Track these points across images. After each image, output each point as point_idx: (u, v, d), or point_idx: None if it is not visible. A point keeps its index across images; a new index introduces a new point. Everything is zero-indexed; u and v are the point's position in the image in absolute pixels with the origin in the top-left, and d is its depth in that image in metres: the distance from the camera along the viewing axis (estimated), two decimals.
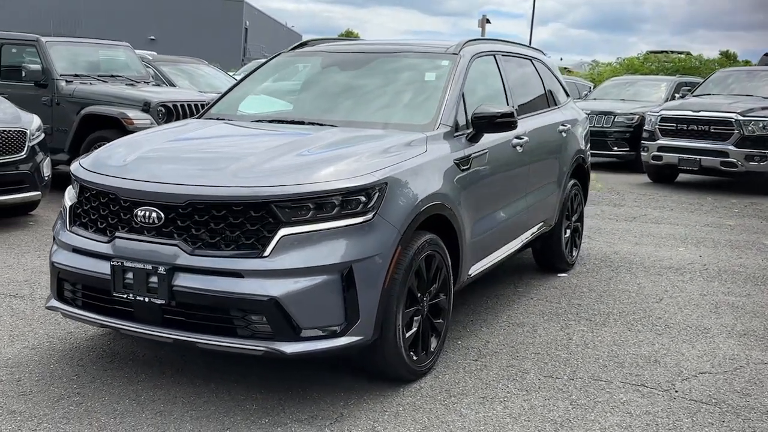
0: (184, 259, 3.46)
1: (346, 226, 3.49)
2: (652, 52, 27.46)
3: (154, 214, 3.53)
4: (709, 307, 5.50)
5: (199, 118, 5.03)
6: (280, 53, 5.51)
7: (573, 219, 6.45)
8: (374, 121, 4.48)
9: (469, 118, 4.51)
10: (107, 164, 3.88)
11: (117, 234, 3.63)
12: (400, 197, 3.70)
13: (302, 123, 4.57)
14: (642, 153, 12.60)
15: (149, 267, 3.47)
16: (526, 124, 5.39)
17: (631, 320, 5.12)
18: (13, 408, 3.52)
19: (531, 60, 6.10)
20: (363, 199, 3.54)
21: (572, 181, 6.32)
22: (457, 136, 4.42)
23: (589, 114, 14.76)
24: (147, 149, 4.01)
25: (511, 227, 5.15)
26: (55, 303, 3.92)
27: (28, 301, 5.08)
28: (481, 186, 4.57)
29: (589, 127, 14.37)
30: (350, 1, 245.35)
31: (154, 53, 15.52)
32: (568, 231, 6.35)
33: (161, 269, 3.45)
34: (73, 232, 3.85)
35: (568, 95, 6.76)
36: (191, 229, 3.49)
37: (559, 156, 6.02)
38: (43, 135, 7.69)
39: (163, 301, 3.47)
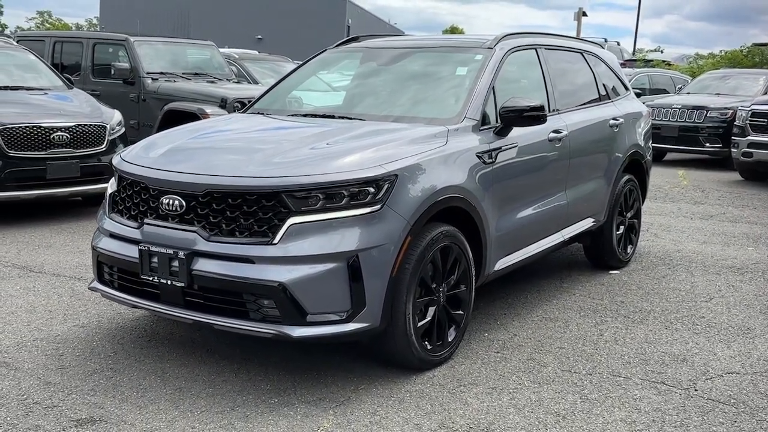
0: (202, 245, 3.67)
1: (354, 216, 3.61)
2: (757, 44, 26.09)
3: (176, 202, 3.75)
4: (760, 308, 5.31)
5: (244, 112, 5.26)
6: (326, 49, 5.67)
7: (627, 215, 6.33)
8: (402, 115, 4.58)
9: (498, 111, 4.54)
10: (142, 156, 4.14)
11: (146, 220, 3.88)
12: (412, 189, 3.78)
13: (333, 117, 4.73)
14: (732, 150, 12.11)
15: (171, 252, 3.70)
16: (568, 118, 5.35)
17: (671, 318, 5.01)
18: (50, 379, 3.83)
19: (581, 53, 6.03)
20: (371, 190, 3.64)
21: (626, 177, 6.20)
22: (484, 129, 4.46)
23: (680, 108, 14.35)
24: (180, 142, 4.26)
25: (547, 222, 5.13)
26: (96, 285, 4.22)
27: None
28: (509, 180, 4.58)
29: (681, 122, 14.11)
30: None
31: (255, 52, 16.10)
32: (622, 227, 6.24)
33: (181, 254, 3.67)
34: (110, 219, 4.14)
35: (627, 89, 6.63)
36: (209, 216, 3.69)
37: (609, 151, 5.92)
38: (123, 129, 8.16)
39: (184, 284, 3.70)
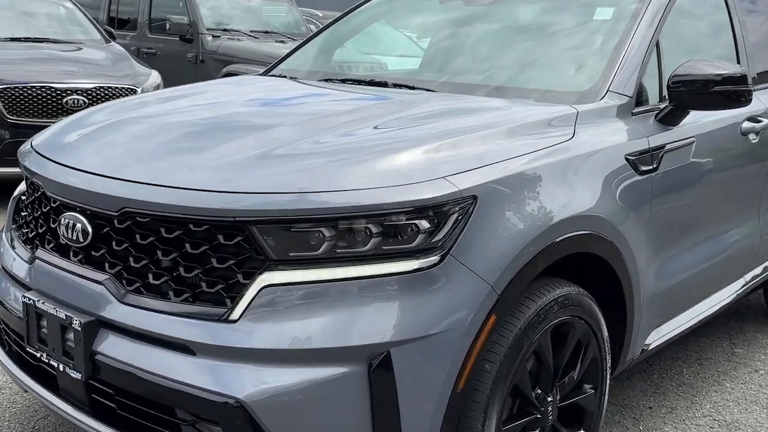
0: (112, 309, 2.01)
1: (388, 275, 1.85)
2: None
3: (80, 226, 2.10)
4: None
5: (265, 74, 3.56)
6: None
7: None
8: (501, 86, 2.77)
9: (665, 83, 2.66)
10: (55, 141, 2.51)
11: (38, 252, 2.26)
12: (503, 224, 1.99)
13: (385, 85, 2.95)
14: None
15: (63, 316, 2.06)
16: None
17: None
18: None
19: None
20: (424, 225, 1.88)
21: None
22: (639, 113, 2.60)
23: None
24: (118, 118, 2.59)
25: (728, 264, 3.20)
26: None
27: None
28: (679, 199, 2.70)
29: None
30: None
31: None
32: None
33: (76, 322, 2.02)
34: (6, 240, 2.55)
35: None
36: (129, 257, 2.02)
37: None
38: None
39: (81, 376, 2.05)
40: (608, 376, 2.49)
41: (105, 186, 2.06)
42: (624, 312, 2.52)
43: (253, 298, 1.84)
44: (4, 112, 5.69)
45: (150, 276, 1.99)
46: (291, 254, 1.86)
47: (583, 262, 2.34)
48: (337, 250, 1.86)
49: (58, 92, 5.88)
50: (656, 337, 2.79)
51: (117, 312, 2.00)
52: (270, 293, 1.84)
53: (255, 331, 1.84)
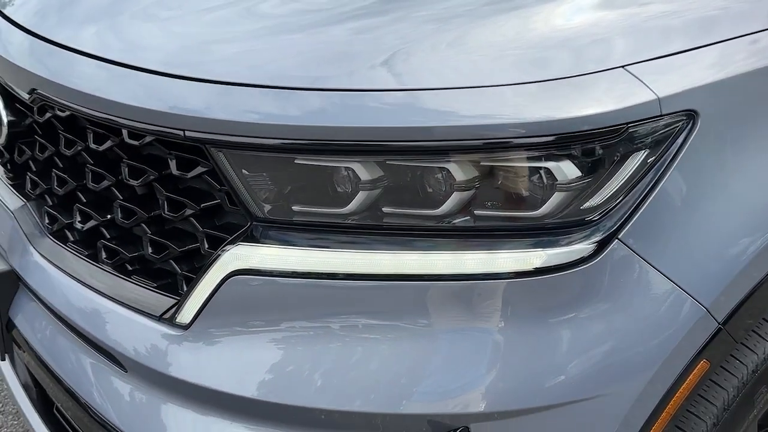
0: (25, 259, 1.24)
1: (478, 277, 0.88)
2: None
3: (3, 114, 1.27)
4: None
5: None
6: None
7: None
8: None
9: None
10: None
11: None
12: (746, 172, 0.93)
13: None
14: None
15: None
16: None
17: None
18: None
19: None
20: (568, 173, 0.85)
21: None
22: None
23: None
24: None
25: None
26: None
27: None
28: None
29: None
30: None
31: None
32: None
33: None
34: None
35: None
36: (51, 174, 1.19)
37: None
38: None
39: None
40: None
41: (21, 51, 1.18)
42: None
43: (216, 290, 0.95)
44: None
45: (77, 214, 1.14)
46: (294, 208, 0.92)
47: None
48: (383, 209, 0.89)
49: None
50: None
51: (28, 265, 1.19)
52: (244, 286, 0.93)
53: (213, 353, 0.96)
